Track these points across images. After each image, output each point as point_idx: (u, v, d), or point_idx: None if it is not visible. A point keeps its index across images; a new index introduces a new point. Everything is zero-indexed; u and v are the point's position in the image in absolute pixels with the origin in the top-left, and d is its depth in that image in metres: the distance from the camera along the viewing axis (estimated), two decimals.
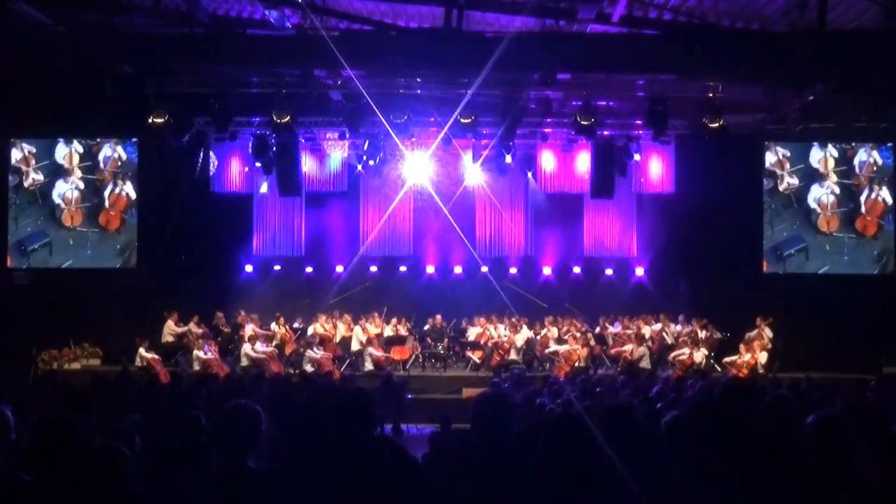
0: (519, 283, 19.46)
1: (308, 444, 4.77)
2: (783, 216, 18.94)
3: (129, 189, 18.92)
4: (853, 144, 18.83)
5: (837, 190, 18.90)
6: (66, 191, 18.89)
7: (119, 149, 18.91)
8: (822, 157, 18.88)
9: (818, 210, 18.83)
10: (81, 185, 18.90)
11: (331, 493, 3.65)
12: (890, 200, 18.81)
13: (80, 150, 18.87)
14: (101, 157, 18.96)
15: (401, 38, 13.58)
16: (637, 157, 18.12)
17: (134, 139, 18.79)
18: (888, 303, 17.40)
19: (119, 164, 18.94)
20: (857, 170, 18.90)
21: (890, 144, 18.72)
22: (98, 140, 18.85)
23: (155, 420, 6.59)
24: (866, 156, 18.87)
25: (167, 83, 15.68)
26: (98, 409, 6.47)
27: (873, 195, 18.85)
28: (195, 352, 16.59)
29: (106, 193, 18.91)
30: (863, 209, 18.84)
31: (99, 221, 18.81)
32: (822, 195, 18.89)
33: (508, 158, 17.76)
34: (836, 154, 18.91)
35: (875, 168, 18.84)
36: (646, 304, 18.84)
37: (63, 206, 18.82)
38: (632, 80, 15.64)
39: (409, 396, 14.73)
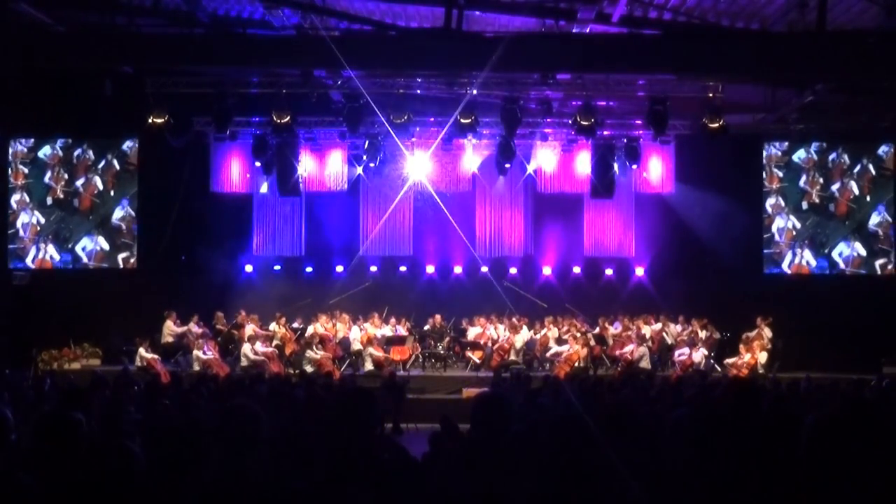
0: (519, 283, 19.46)
1: (308, 445, 4.77)
2: None
3: (52, 251, 18.53)
4: (770, 213, 18.52)
5: None
6: None
7: (37, 213, 18.51)
8: None
9: None
10: None
11: (331, 493, 3.65)
12: (814, 262, 18.30)
13: None
14: (18, 224, 18.53)
15: (401, 38, 13.58)
16: (634, 167, 18.16)
17: (49, 199, 18.40)
18: (888, 303, 17.41)
19: (38, 229, 18.50)
20: (776, 237, 18.54)
21: (888, 146, 18.65)
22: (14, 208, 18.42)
23: (155, 420, 6.58)
24: (784, 221, 18.46)
25: (167, 83, 15.70)
26: (98, 409, 6.46)
27: (797, 260, 18.44)
28: (195, 352, 16.58)
29: (28, 260, 18.51)
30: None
31: None
32: None
33: (507, 165, 17.82)
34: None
35: (794, 233, 18.42)
36: (646, 304, 18.83)
37: None
38: (632, 80, 15.65)
39: (409, 396, 14.72)
